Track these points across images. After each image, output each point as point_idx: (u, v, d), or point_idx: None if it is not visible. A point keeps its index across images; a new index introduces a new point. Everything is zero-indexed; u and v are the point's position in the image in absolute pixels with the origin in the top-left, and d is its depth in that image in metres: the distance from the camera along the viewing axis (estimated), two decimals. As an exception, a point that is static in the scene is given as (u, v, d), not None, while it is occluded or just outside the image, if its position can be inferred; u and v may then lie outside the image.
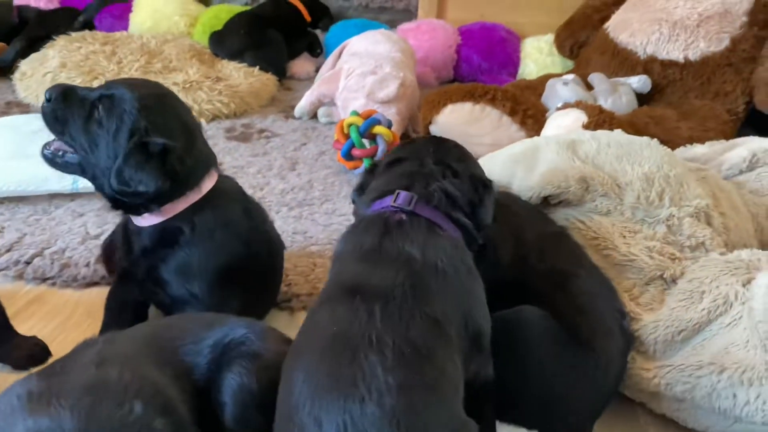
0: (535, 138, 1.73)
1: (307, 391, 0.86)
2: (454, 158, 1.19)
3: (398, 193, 1.10)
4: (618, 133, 1.64)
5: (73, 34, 2.96)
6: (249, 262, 1.39)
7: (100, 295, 1.64)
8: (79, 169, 1.30)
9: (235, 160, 2.48)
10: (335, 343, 0.89)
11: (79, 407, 0.84)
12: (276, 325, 1.51)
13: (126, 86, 1.26)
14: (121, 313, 1.41)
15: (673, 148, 1.80)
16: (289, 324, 1.59)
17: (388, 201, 1.10)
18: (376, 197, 1.13)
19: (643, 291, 1.38)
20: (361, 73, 2.71)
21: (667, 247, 1.41)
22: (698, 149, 2.04)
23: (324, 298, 1.01)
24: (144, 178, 1.21)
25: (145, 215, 1.31)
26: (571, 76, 2.74)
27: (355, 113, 2.38)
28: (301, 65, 3.55)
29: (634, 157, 1.52)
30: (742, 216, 1.66)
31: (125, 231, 1.39)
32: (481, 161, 1.68)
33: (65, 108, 1.26)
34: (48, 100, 1.26)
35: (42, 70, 2.77)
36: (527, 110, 2.49)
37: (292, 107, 3.03)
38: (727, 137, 2.29)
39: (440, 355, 0.91)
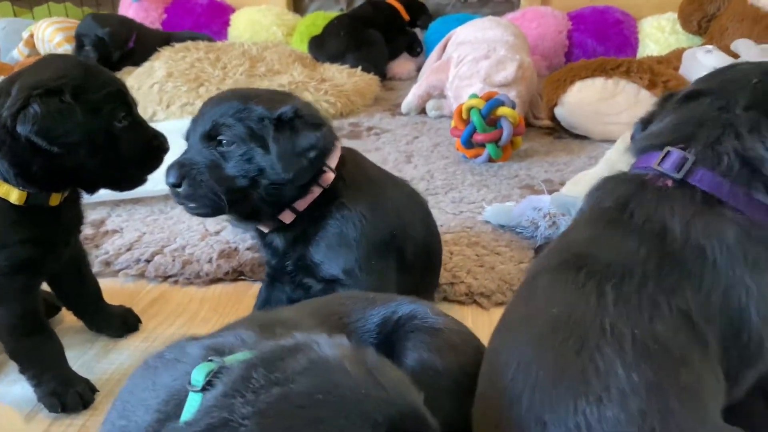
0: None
1: (523, 382, 0.68)
2: None
3: (668, 152, 0.81)
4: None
5: (177, 45, 2.96)
6: (406, 231, 1.24)
7: (225, 291, 1.53)
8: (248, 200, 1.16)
9: (348, 157, 2.33)
10: (557, 326, 0.70)
11: (254, 331, 0.71)
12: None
13: (204, 111, 1.16)
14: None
15: None
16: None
17: (652, 160, 0.82)
18: (644, 147, 0.87)
19: None
20: (473, 58, 2.53)
21: None
22: None
23: (543, 264, 0.81)
24: (303, 139, 1.10)
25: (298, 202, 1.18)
26: (711, 45, 2.44)
27: (475, 96, 2.19)
28: (401, 65, 3.43)
29: None
30: None
31: (264, 236, 1.26)
32: None
33: (196, 173, 1.13)
34: (176, 185, 1.14)
35: (149, 82, 2.76)
36: (668, 82, 2.22)
37: (397, 105, 2.89)
38: None
39: (696, 361, 0.70)
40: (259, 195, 1.14)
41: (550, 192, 1.86)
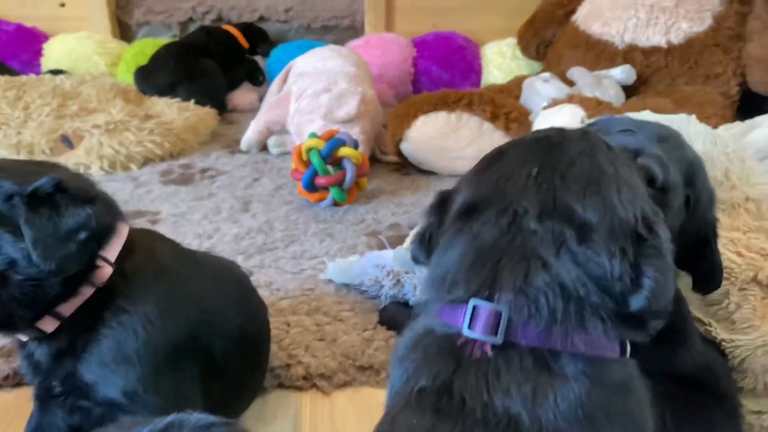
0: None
1: None
2: (577, 191, 0.64)
3: (475, 309, 0.62)
4: (648, 113, 1.34)
5: (-32, 82, 2.52)
6: (213, 325, 1.01)
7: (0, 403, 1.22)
8: None
9: (175, 207, 2.06)
10: None
11: None
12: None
13: None
14: None
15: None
16: (261, 408, 1.19)
17: (460, 317, 0.63)
18: (443, 298, 0.67)
19: (739, 301, 1.04)
20: (313, 92, 2.36)
21: (755, 239, 1.10)
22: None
23: None
24: (68, 217, 0.86)
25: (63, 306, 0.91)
26: (548, 74, 2.45)
27: (314, 135, 2.01)
28: (243, 96, 3.18)
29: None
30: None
31: (24, 345, 0.98)
32: None
33: None
34: None
35: (-71, 128, 2.31)
36: (509, 113, 2.18)
37: (238, 141, 2.65)
38: (728, 122, 2.08)
39: None
40: (10, 295, 0.87)
41: (396, 240, 1.73)
